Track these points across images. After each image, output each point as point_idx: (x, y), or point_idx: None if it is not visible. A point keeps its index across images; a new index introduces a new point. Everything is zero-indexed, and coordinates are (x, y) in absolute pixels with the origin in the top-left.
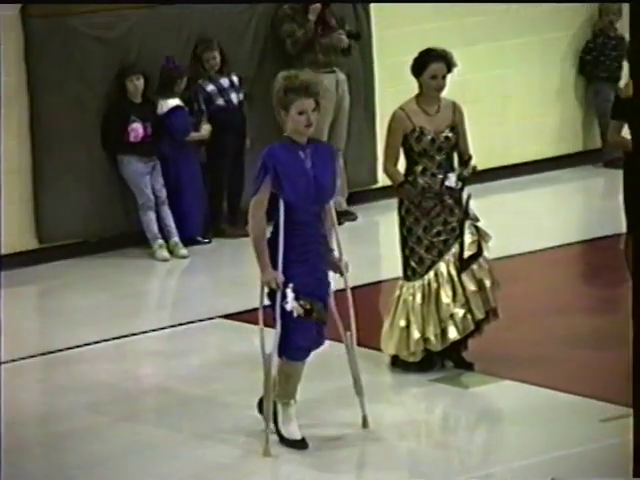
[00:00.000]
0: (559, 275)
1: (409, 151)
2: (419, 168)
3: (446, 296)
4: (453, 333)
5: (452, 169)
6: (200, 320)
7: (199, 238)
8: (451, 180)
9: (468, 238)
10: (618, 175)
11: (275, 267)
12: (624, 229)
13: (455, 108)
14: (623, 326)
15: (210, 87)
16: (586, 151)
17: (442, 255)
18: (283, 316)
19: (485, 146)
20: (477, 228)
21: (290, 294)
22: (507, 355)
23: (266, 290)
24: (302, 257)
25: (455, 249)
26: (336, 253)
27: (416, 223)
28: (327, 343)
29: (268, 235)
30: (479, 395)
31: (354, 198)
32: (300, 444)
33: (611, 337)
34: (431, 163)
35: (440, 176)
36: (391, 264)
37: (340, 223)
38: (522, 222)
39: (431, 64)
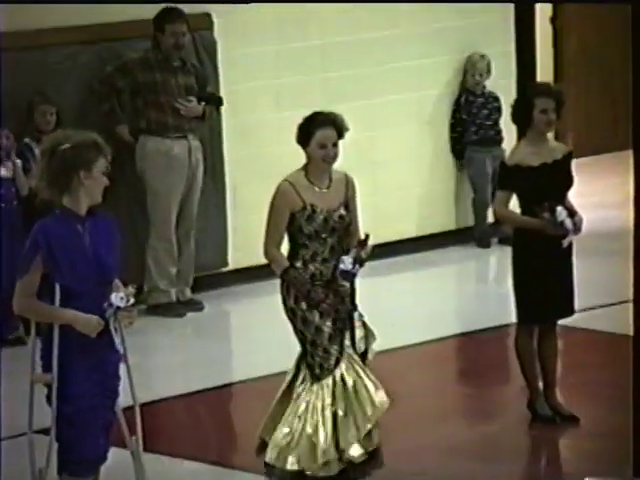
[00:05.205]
0: (440, 373)
1: (297, 232)
2: (308, 253)
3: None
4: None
5: (344, 252)
6: None
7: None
8: (346, 263)
9: (359, 333)
10: (502, 255)
11: (50, 367)
12: (513, 319)
13: (348, 181)
14: (511, 434)
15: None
16: (459, 229)
17: (342, 348)
18: (64, 421)
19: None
20: (364, 323)
21: (114, 299)
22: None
23: (43, 390)
24: (85, 349)
25: (348, 341)
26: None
27: (310, 311)
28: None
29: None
30: None
31: (199, 284)
32: None
33: (496, 447)
34: (322, 247)
35: (332, 262)
36: (244, 362)
37: (182, 315)
38: (397, 310)
39: (317, 131)
